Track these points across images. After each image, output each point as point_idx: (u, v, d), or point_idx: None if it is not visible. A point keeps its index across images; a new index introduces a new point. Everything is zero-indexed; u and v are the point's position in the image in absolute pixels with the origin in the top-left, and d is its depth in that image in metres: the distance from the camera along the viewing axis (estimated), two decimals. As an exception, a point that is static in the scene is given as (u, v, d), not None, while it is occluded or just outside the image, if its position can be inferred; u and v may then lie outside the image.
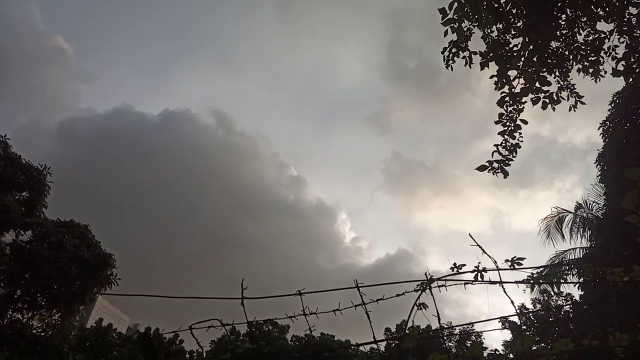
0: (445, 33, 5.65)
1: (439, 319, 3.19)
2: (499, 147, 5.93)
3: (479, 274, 3.24)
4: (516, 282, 3.23)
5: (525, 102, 5.87)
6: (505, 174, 5.79)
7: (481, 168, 5.75)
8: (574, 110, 6.14)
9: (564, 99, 5.98)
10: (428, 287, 3.27)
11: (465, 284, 3.27)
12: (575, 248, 18.84)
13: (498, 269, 3.18)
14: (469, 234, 3.33)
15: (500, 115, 5.97)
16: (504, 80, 5.66)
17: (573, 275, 15.40)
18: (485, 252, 3.10)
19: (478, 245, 3.12)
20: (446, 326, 4.36)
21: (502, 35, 5.77)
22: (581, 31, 5.70)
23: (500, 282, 3.18)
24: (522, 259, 3.28)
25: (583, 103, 6.08)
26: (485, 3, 5.43)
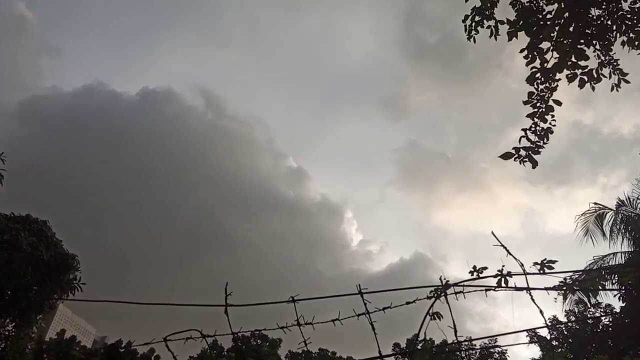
0: (467, -2, 5.63)
1: (455, 331, 3.21)
2: (528, 131, 5.93)
3: (503, 279, 3.25)
4: (546, 288, 3.24)
5: (559, 79, 5.85)
6: (534, 164, 5.79)
7: (506, 156, 5.74)
8: (617, 90, 6.12)
9: (605, 76, 5.97)
10: (443, 294, 3.28)
11: (486, 290, 3.28)
12: (617, 252, 18.86)
13: (525, 274, 3.19)
14: (492, 232, 3.34)
15: (530, 94, 5.95)
16: (535, 54, 5.65)
17: (613, 282, 15.42)
18: (510, 253, 3.10)
19: (501, 244, 3.13)
20: (464, 340, 4.39)
21: (533, 1, 5.75)
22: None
23: (528, 289, 3.19)
24: (554, 262, 3.29)
25: (627, 82, 6.06)
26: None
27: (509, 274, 3.26)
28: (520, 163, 5.86)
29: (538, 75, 5.81)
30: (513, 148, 5.86)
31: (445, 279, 3.32)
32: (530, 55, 5.69)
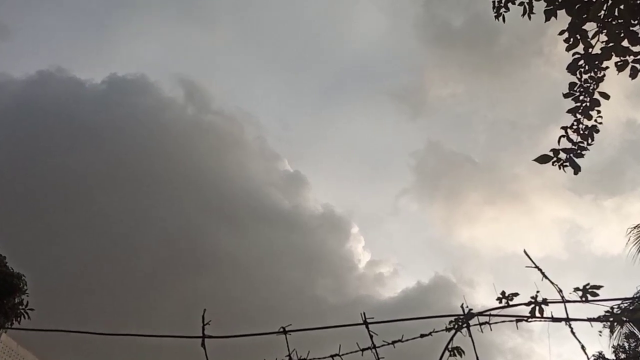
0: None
1: (479, 370, 3.19)
2: (569, 130, 5.92)
3: (537, 308, 3.24)
4: (589, 319, 3.23)
5: (607, 67, 5.86)
6: (577, 169, 5.78)
7: (543, 159, 5.73)
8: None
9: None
10: (465, 325, 3.27)
11: (517, 320, 3.27)
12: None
13: (564, 301, 3.18)
14: (524, 251, 3.33)
15: (572, 85, 5.95)
16: (578, 37, 5.65)
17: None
18: (545, 277, 3.09)
19: (535, 266, 3.12)
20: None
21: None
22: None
23: (567, 320, 3.18)
24: (599, 287, 3.28)
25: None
26: None
27: (545, 302, 3.24)
28: (560, 168, 5.84)
29: (581, 62, 5.81)
30: (551, 150, 5.84)
31: (467, 306, 3.31)
32: (572, 39, 5.69)
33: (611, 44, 5.56)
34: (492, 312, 3.33)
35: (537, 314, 3.28)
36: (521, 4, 6.04)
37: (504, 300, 3.46)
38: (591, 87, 5.95)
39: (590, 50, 5.75)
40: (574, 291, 3.29)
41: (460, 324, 3.31)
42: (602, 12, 5.46)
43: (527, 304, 3.33)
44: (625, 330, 19.78)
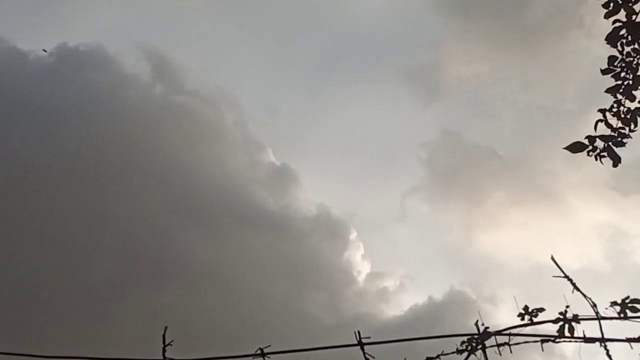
0: None
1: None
2: (608, 113, 5.92)
3: (567, 326, 3.25)
4: (629, 340, 3.24)
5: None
6: (616, 160, 5.79)
7: (575, 147, 5.74)
8: None
9: None
10: (480, 346, 3.28)
11: (542, 341, 3.28)
12: None
13: (599, 318, 3.19)
14: (552, 258, 3.33)
15: (612, 59, 5.94)
16: (619, 1, 5.65)
17: None
18: (576, 288, 3.10)
19: (564, 275, 3.12)
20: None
21: None
22: None
23: (602, 340, 3.19)
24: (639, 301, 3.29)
25: None
26: None
27: (576, 319, 3.25)
28: (597, 159, 5.85)
29: (623, 32, 5.81)
30: (586, 137, 5.85)
31: (482, 324, 3.31)
32: (611, 3, 5.69)
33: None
34: (513, 331, 3.33)
35: (567, 333, 3.29)
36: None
37: (527, 317, 3.46)
38: (635, 62, 5.96)
39: (634, 17, 5.75)
40: (611, 306, 3.30)
41: (474, 344, 3.32)
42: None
43: (555, 322, 3.34)
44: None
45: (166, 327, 3.16)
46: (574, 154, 5.82)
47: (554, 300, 3.51)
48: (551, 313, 3.41)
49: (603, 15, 5.69)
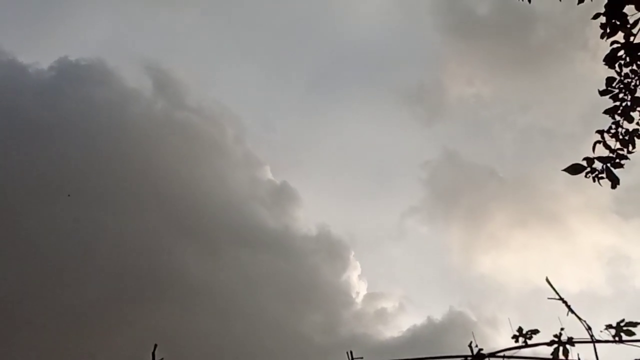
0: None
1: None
2: (606, 134, 5.91)
3: (561, 348, 3.21)
4: (624, 364, 3.21)
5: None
6: (614, 181, 5.78)
7: (574, 169, 5.73)
8: None
9: None
10: (474, 368, 3.23)
11: (536, 364, 3.24)
12: None
13: (593, 341, 3.16)
14: (546, 279, 3.30)
15: (610, 80, 5.94)
16: (617, 23, 5.65)
17: None
18: (571, 311, 3.06)
19: (559, 297, 3.08)
20: None
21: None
22: None
23: (597, 364, 3.15)
24: (635, 324, 3.26)
25: None
26: None
27: (571, 342, 3.22)
28: (595, 181, 5.84)
29: (621, 53, 5.81)
30: (584, 159, 5.83)
31: (476, 346, 3.27)
32: (609, 25, 5.70)
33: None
34: (507, 353, 3.30)
35: (561, 356, 3.26)
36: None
37: (521, 339, 3.43)
38: (633, 83, 5.95)
39: (632, 38, 5.75)
40: (606, 329, 3.27)
41: (469, 366, 3.27)
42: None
43: (549, 344, 3.32)
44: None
45: (155, 344, 3.13)
46: (575, 176, 5.80)
47: (553, 323, 3.48)
48: (547, 335, 3.38)
49: (600, 36, 5.70)
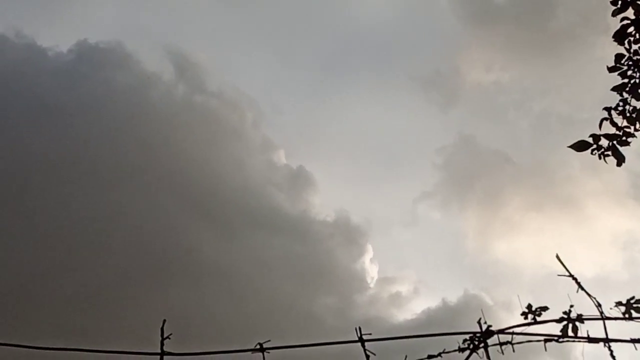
0: None
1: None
2: (613, 111, 5.86)
3: (570, 325, 3.17)
4: (632, 340, 3.17)
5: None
6: (620, 159, 5.73)
7: (579, 146, 5.69)
8: None
9: None
10: (482, 345, 3.20)
11: (545, 340, 3.21)
12: None
13: (603, 318, 3.12)
14: (556, 256, 3.25)
15: (619, 57, 5.87)
16: (627, -1, 5.58)
17: None
18: (581, 287, 3.02)
19: (569, 273, 3.03)
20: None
21: None
22: None
23: (606, 340, 3.12)
24: (646, 301, 3.22)
25: None
26: None
27: (580, 319, 3.18)
28: (600, 158, 5.80)
29: (631, 29, 5.74)
30: (590, 135, 5.79)
31: (485, 322, 3.24)
32: (620, 2, 5.62)
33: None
34: (515, 330, 3.26)
35: (570, 333, 3.22)
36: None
37: (530, 316, 3.40)
38: (642, 60, 5.89)
39: (642, 12, 5.69)
40: (616, 306, 3.23)
41: (476, 343, 3.24)
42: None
43: (559, 321, 3.28)
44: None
45: (164, 320, 3.11)
46: (592, 161, 5.78)
47: (566, 305, 3.44)
48: (558, 314, 3.35)
49: (611, 13, 5.64)
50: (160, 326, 3.11)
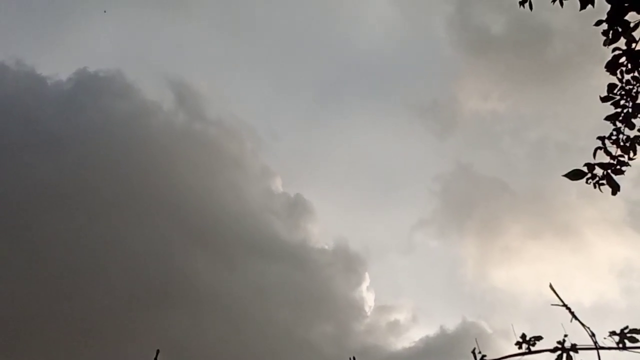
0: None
1: None
2: (607, 141, 5.86)
3: (564, 355, 3.15)
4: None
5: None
6: (615, 188, 5.73)
7: (574, 175, 5.69)
8: None
9: None
10: (476, 375, 3.18)
11: (539, 370, 3.18)
12: None
13: (597, 347, 3.09)
14: (550, 286, 3.23)
15: (611, 87, 5.89)
16: (619, 29, 5.60)
17: None
18: (575, 317, 2.99)
19: (563, 303, 3.01)
20: None
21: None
22: None
23: (601, 370, 3.09)
24: (639, 331, 3.20)
25: None
26: None
27: (574, 348, 3.16)
28: (595, 187, 5.80)
29: (623, 59, 5.76)
30: (585, 164, 5.79)
31: (480, 352, 3.23)
32: (611, 31, 5.65)
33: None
34: (510, 359, 3.24)
35: (565, 363, 3.19)
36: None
37: (524, 346, 3.37)
38: (634, 90, 5.90)
39: (634, 45, 5.71)
40: (610, 336, 3.21)
41: (470, 373, 3.21)
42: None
43: (553, 351, 3.26)
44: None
45: (158, 350, 3.08)
46: (589, 190, 5.78)
47: (562, 334, 3.41)
48: (551, 343, 3.33)
49: (602, 43, 5.66)
50: (154, 357, 3.09)
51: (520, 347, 3.40)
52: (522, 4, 5.98)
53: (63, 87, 62.40)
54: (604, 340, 3.17)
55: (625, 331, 3.23)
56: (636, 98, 5.90)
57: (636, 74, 5.85)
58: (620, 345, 3.16)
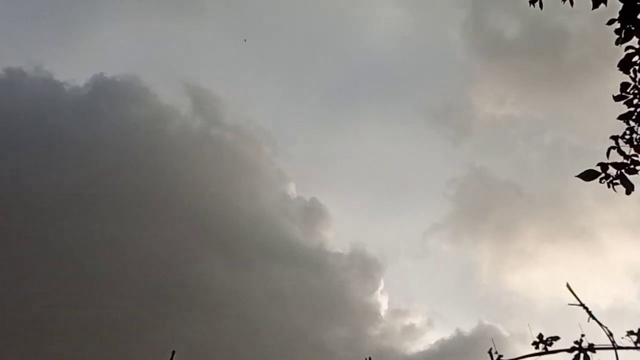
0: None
1: None
2: (620, 140, 5.82)
3: (582, 355, 3.12)
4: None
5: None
6: (629, 188, 5.68)
7: (587, 175, 5.64)
8: None
9: None
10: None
11: (556, 370, 3.16)
12: None
13: (615, 347, 3.06)
14: (567, 285, 3.20)
15: (625, 86, 5.85)
16: (632, 28, 5.57)
17: None
18: (592, 316, 2.96)
19: (580, 303, 2.97)
20: None
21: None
22: None
23: (619, 370, 3.06)
24: (657, 330, 3.16)
25: None
26: None
27: (592, 348, 3.13)
28: (609, 186, 5.75)
29: (636, 58, 5.72)
30: (598, 164, 5.75)
31: (496, 352, 3.20)
32: (623, 30, 5.62)
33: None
34: (527, 360, 3.21)
35: (582, 363, 3.16)
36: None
37: (541, 346, 3.34)
38: (648, 89, 5.86)
39: (646, 43, 5.68)
40: (627, 335, 3.18)
41: (487, 374, 3.19)
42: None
43: (570, 350, 3.23)
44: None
45: (173, 351, 3.09)
46: (605, 192, 5.75)
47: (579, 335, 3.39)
48: (568, 343, 3.30)
49: (615, 42, 5.63)
50: (170, 357, 3.09)
51: (537, 347, 3.37)
52: (532, 3, 5.97)
53: (80, 93, 62.53)
54: (621, 340, 3.13)
55: (643, 331, 3.19)
56: (650, 97, 5.87)
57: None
58: (638, 345, 3.13)
